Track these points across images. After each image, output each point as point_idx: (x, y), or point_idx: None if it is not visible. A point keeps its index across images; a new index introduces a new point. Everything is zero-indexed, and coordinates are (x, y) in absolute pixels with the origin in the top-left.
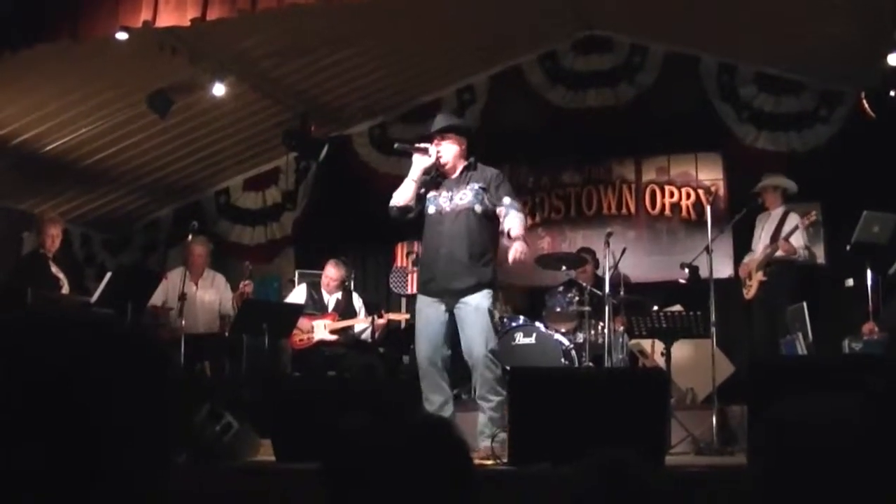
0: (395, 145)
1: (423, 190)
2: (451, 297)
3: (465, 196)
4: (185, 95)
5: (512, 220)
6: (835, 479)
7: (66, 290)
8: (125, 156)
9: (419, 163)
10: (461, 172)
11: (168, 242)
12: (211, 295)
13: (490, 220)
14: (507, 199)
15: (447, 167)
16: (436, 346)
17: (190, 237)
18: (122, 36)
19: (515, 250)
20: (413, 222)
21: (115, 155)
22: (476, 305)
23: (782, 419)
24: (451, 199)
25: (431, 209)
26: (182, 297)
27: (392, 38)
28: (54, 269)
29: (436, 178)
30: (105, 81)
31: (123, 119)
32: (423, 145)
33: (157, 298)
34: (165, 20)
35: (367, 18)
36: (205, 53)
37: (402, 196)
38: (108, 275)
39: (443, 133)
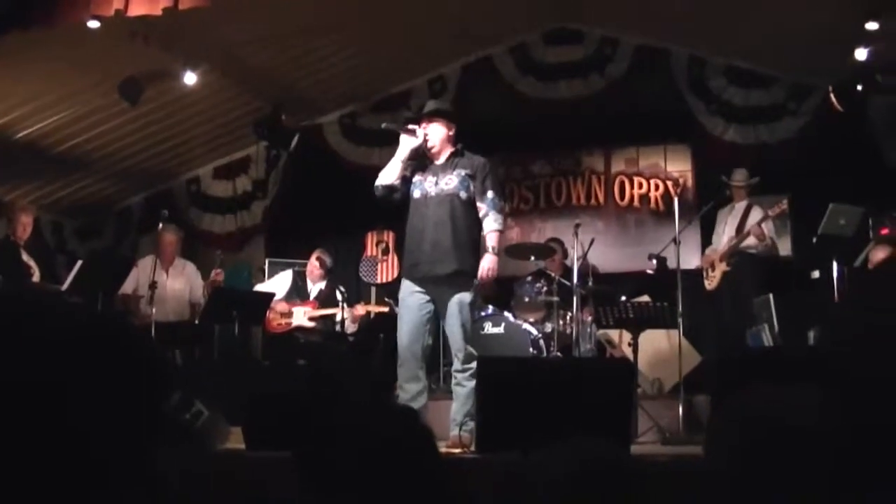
0: (383, 125)
1: (409, 172)
2: (433, 285)
3: (450, 181)
4: (157, 83)
5: (489, 225)
6: (793, 470)
7: (37, 278)
8: (96, 143)
9: (406, 143)
10: (448, 158)
11: (139, 230)
12: (181, 283)
13: (475, 207)
14: (489, 195)
15: (434, 150)
16: (417, 336)
17: (160, 225)
18: (93, 24)
19: (483, 269)
20: (397, 206)
21: (87, 142)
22: (459, 299)
23: (741, 413)
24: (436, 184)
25: (417, 193)
26: (152, 285)
27: (363, 27)
28: (25, 256)
29: (423, 161)
30: (77, 68)
31: (95, 106)
32: (411, 126)
33: (127, 286)
34: (137, 9)
35: (339, 8)
36: (177, 41)
37: (388, 175)
38: (79, 263)
39: (432, 116)
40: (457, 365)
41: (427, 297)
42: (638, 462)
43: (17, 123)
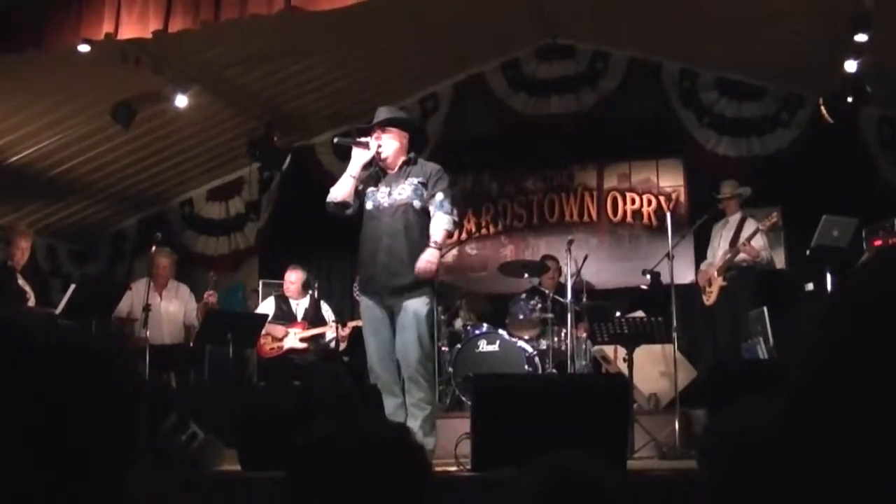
0: (335, 140)
1: (361, 186)
2: (390, 297)
3: (403, 191)
4: (149, 106)
5: (435, 223)
6: (763, 483)
7: (32, 302)
8: (90, 167)
9: (358, 157)
10: (400, 167)
11: (133, 253)
12: (175, 306)
13: (429, 215)
14: (438, 196)
15: (387, 161)
16: (386, 351)
17: (154, 248)
18: (84, 48)
19: (423, 260)
20: (353, 219)
21: (80, 166)
22: (414, 311)
23: (723, 426)
24: (389, 195)
25: (369, 204)
26: (146, 308)
27: (355, 47)
28: (21, 281)
29: (376, 173)
30: (69, 92)
31: (87, 130)
32: (363, 139)
33: (121, 309)
34: (128, 32)
35: (330, 28)
36: (168, 63)
37: (340, 191)
38: (72, 286)
39: (383, 126)
40: (407, 384)
41: (386, 313)
42: (611, 477)
43: (10, 148)
